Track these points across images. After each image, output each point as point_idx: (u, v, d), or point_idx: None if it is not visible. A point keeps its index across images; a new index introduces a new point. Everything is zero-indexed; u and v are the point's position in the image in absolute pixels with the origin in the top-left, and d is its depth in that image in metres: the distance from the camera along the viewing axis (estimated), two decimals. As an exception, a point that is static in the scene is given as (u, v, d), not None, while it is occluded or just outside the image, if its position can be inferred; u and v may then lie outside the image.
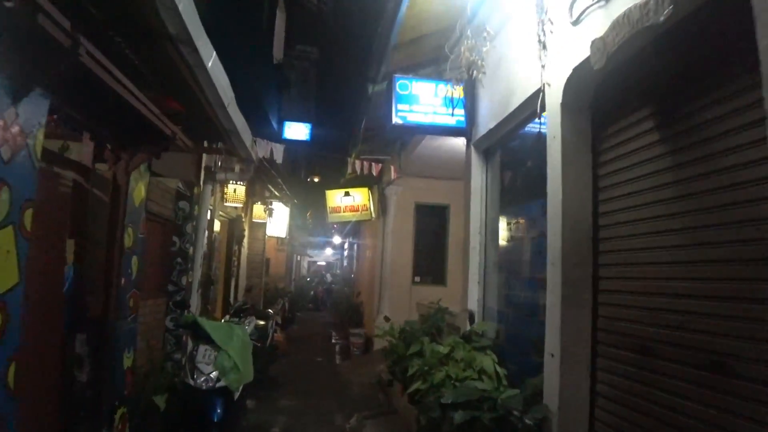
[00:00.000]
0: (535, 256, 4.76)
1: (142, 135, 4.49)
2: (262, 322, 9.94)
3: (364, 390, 9.34)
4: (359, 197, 12.44)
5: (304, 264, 38.76)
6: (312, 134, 15.66)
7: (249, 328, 7.69)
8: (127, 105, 3.63)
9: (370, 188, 12.71)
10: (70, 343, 4.29)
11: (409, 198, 13.01)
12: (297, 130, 15.57)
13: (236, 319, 8.54)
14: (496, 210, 5.92)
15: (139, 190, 4.72)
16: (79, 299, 4.30)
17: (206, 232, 9.67)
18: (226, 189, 10.14)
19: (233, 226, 12.32)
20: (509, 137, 5.43)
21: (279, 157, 6.85)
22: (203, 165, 7.14)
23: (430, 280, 13.14)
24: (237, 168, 7.48)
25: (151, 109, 4.02)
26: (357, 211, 12.36)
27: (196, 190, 6.91)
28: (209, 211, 9.64)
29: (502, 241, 5.74)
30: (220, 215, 11.28)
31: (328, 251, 41.27)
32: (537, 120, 4.61)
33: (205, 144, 6.76)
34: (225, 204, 10.21)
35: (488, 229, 5.99)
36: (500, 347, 5.13)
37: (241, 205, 10.75)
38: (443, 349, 4.80)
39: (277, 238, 14.99)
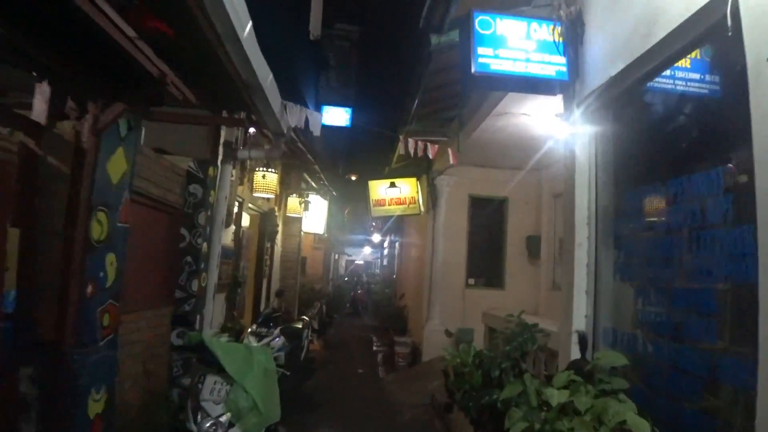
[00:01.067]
0: (702, 253, 3.16)
1: (119, 78, 3.08)
2: (298, 326, 8.58)
3: (416, 414, 7.84)
4: (406, 189, 10.97)
5: (342, 263, 37.51)
6: (353, 120, 14.36)
7: (275, 347, 6.32)
8: (91, 26, 2.24)
9: (419, 179, 11.22)
10: (12, 380, 2.94)
11: (463, 190, 11.47)
12: (336, 116, 14.27)
13: (264, 330, 7.16)
14: (613, 193, 4.31)
15: (117, 160, 3.32)
16: (24, 316, 2.92)
17: (232, 227, 8.35)
18: (255, 177, 8.77)
19: (265, 220, 10.97)
20: (643, 85, 3.82)
21: (317, 129, 5.36)
22: (222, 140, 5.74)
23: (486, 282, 11.59)
24: (265, 145, 6.06)
25: (121, 27, 2.60)
26: (404, 204, 10.89)
27: (211, 171, 5.52)
28: (236, 202, 8.29)
29: (627, 234, 4.12)
30: (250, 208, 9.93)
31: (367, 250, 39.95)
32: (705, 48, 3.04)
33: (224, 114, 5.36)
34: (254, 194, 8.84)
35: (600, 219, 4.37)
36: (637, 390, 3.53)
37: (273, 196, 9.37)
38: (558, 396, 3.23)
39: (314, 234, 13.63)
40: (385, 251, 27.30)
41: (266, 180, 8.70)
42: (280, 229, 12.18)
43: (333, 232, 21.66)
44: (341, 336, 15.75)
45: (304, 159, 9.24)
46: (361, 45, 14.09)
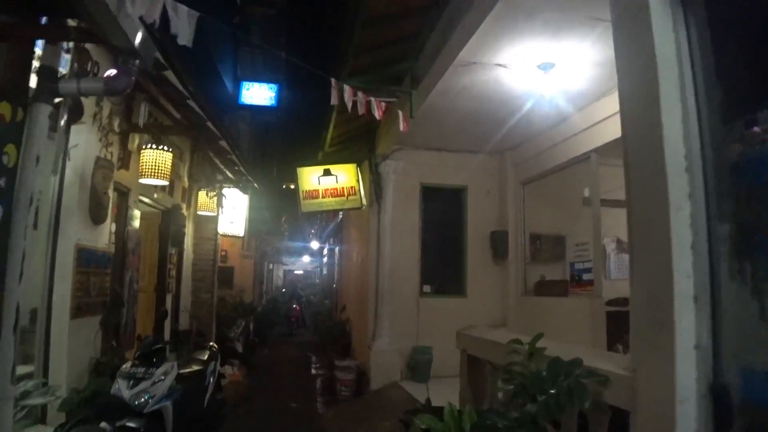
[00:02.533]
0: None
1: None
2: (200, 357, 6.41)
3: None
4: (344, 177, 8.88)
5: (280, 273, 35.03)
6: (280, 98, 12.16)
7: (154, 395, 4.19)
8: None
9: (359, 165, 9.15)
10: None
11: (413, 178, 9.48)
12: (259, 93, 12.07)
13: (141, 370, 4.91)
14: (723, 120, 2.28)
15: None
16: None
17: (108, 224, 6.09)
18: (141, 157, 6.51)
19: (167, 219, 8.66)
20: None
21: (184, 35, 3.15)
22: (34, 64, 3.49)
23: (444, 289, 9.62)
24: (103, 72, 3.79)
25: None
26: (341, 196, 8.80)
27: (19, 114, 3.27)
28: (111, 190, 6.01)
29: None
30: (144, 202, 7.65)
31: (307, 259, 37.57)
32: None
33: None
34: (141, 180, 6.56)
35: (709, 162, 2.34)
36: None
37: (165, 183, 7.06)
38: None
39: (240, 238, 11.41)
40: (325, 259, 25.09)
41: (155, 159, 6.44)
42: (189, 230, 9.86)
43: (266, 238, 19.29)
44: (273, 359, 13.44)
45: (207, 135, 7.01)
46: (289, 12, 12.01)
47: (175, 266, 9.12)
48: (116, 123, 6.12)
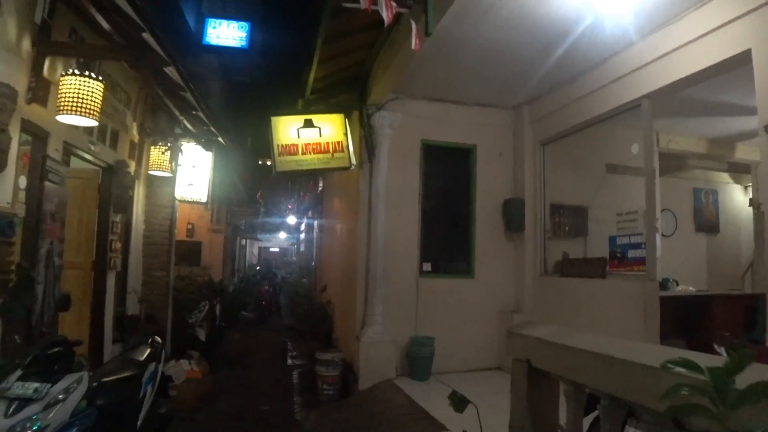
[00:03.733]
0: None
1: None
2: (137, 357, 4.78)
3: None
4: (329, 130, 7.20)
5: (254, 251, 33.23)
6: (253, 41, 10.28)
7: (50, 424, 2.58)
8: None
9: (348, 116, 7.47)
10: None
11: (412, 134, 7.85)
12: (228, 33, 10.21)
13: (30, 387, 3.26)
14: None
15: None
16: None
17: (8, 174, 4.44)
18: (61, 82, 4.80)
19: (109, 179, 6.94)
20: None
21: None
22: None
23: (447, 268, 8.05)
24: None
25: None
26: (326, 152, 7.13)
27: None
28: (8, 130, 4.33)
29: None
30: (73, 153, 5.97)
31: (283, 235, 35.77)
32: None
33: None
34: (60, 116, 4.83)
35: None
36: None
37: (94, 123, 5.29)
38: None
39: (197, 204, 9.66)
40: (302, 235, 23.35)
41: (78, 89, 4.72)
42: (139, 194, 8.14)
43: (238, 211, 17.53)
44: (244, 347, 11.77)
45: (152, 60, 5.28)
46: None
47: (120, 237, 7.41)
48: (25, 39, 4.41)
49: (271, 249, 40.53)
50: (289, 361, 10.58)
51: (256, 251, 34.44)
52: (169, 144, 7.79)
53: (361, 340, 7.15)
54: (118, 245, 7.24)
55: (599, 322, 6.37)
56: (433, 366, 7.31)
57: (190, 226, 15.61)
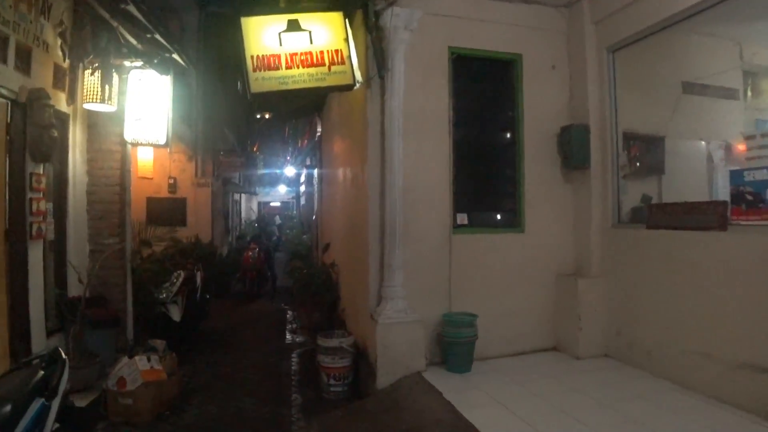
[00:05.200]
0: None
1: None
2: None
3: None
4: (324, 34, 5.12)
5: (253, 206, 31.24)
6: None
7: None
8: None
9: (350, 15, 5.36)
10: None
11: (437, 38, 5.77)
12: None
13: None
14: None
15: None
16: None
17: None
18: None
19: (21, 116, 4.95)
20: None
21: None
22: None
23: (489, 220, 6.11)
24: None
25: None
26: (320, 65, 5.06)
27: None
28: None
29: None
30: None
31: (283, 189, 33.75)
32: None
33: None
34: None
35: None
36: None
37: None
38: None
39: (153, 147, 7.55)
40: (302, 188, 21.29)
41: None
42: (75, 137, 6.14)
43: (227, 161, 15.46)
44: (232, 321, 9.86)
45: None
46: None
47: (49, 196, 5.45)
48: None
49: (271, 204, 38.53)
50: (288, 337, 8.73)
51: (255, 206, 32.45)
52: (110, 67, 5.76)
53: (378, 321, 5.24)
54: (43, 206, 5.28)
55: (716, 297, 4.45)
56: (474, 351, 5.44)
57: (171, 181, 13.65)
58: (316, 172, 14.08)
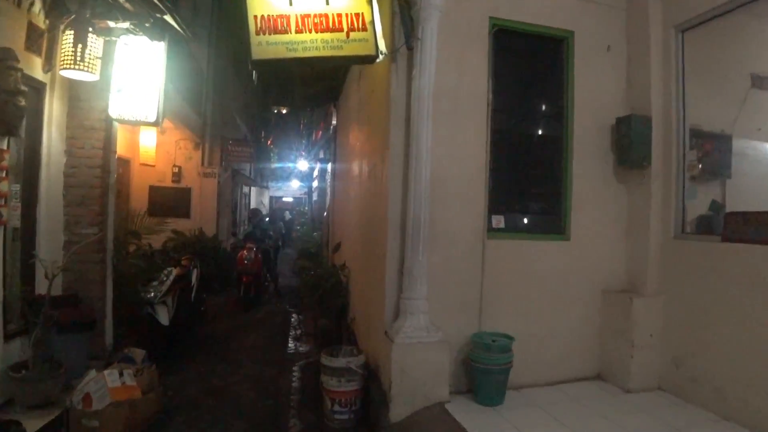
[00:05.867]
0: None
1: None
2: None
3: None
4: (343, -2, 4.30)
5: (265, 200, 30.45)
6: None
7: None
8: None
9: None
10: None
11: (476, 7, 4.89)
12: None
13: None
14: None
15: None
16: None
17: None
18: None
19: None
20: None
21: None
22: None
23: (528, 225, 5.21)
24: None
25: None
26: (336, 30, 4.22)
27: None
28: None
29: None
30: None
31: (296, 184, 32.98)
32: None
33: None
34: None
35: None
36: None
37: None
38: None
39: (142, 126, 6.66)
40: (315, 183, 20.39)
41: None
42: (52, 110, 5.33)
43: (235, 151, 14.64)
44: (231, 324, 8.97)
45: None
46: None
47: (9, 175, 4.62)
48: None
49: (283, 198, 37.78)
50: (291, 345, 7.87)
51: (267, 201, 31.67)
52: (91, 29, 4.93)
53: (395, 341, 4.36)
54: (5, 187, 4.47)
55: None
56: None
57: (176, 169, 12.86)
58: (329, 165, 13.21)
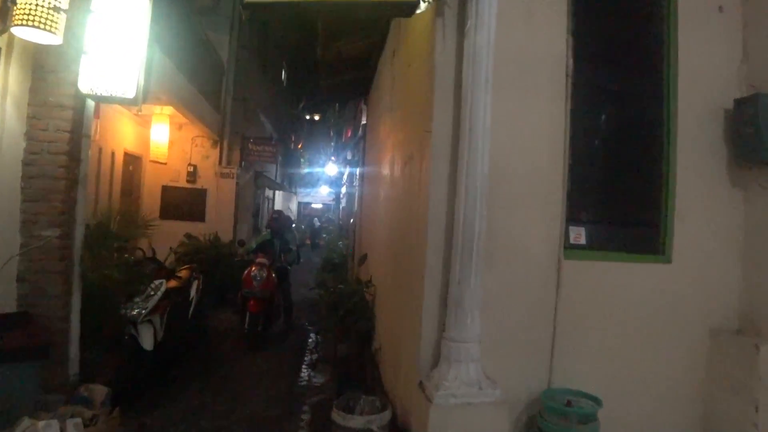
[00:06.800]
0: None
1: None
2: None
3: None
4: None
5: (293, 206, 29.43)
6: None
7: None
8: None
9: None
10: None
11: (552, -56, 3.64)
12: None
13: None
14: None
15: None
16: None
17: None
18: None
19: None
20: None
21: None
22: None
23: (618, 239, 3.88)
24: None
25: None
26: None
27: None
28: None
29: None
30: None
31: (326, 190, 31.90)
32: None
33: None
34: None
35: None
36: None
37: None
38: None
39: (118, 102, 5.52)
40: (344, 189, 19.24)
41: None
42: (8, 82, 4.25)
43: (257, 151, 13.54)
44: (236, 344, 7.71)
45: None
46: None
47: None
48: None
49: (312, 205, 36.74)
50: (304, 374, 6.64)
51: (294, 206, 30.65)
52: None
53: (434, 400, 3.10)
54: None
55: None
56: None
57: (191, 168, 11.84)
58: (357, 169, 12.02)
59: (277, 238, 8.60)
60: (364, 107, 10.84)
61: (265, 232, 9.12)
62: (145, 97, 4.67)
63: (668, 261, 3.81)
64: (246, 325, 7.27)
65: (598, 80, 3.78)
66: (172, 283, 6.16)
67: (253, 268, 7.61)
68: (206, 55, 10.68)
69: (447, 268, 3.33)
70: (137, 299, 5.32)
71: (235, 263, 10.05)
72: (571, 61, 3.58)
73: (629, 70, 3.93)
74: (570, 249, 3.58)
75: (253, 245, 8.52)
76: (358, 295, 6.47)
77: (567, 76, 3.56)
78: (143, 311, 5.25)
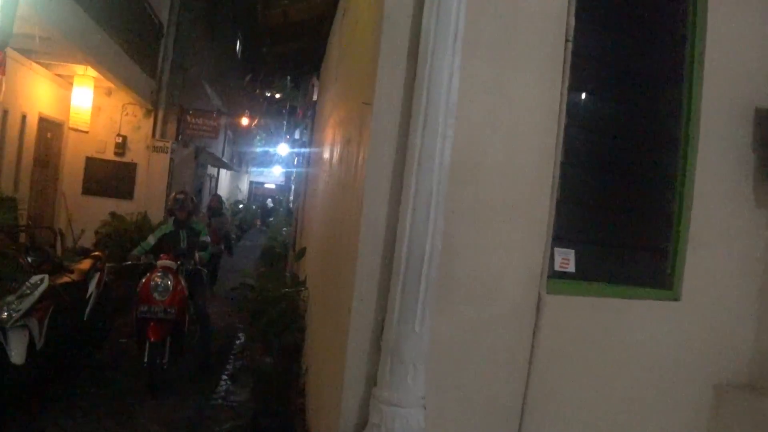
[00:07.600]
0: None
1: None
2: None
3: None
4: None
5: (243, 186, 27.99)
6: None
7: None
8: None
9: None
10: None
11: None
12: None
13: None
14: None
15: None
16: None
17: None
18: None
19: None
20: None
21: None
22: None
23: (613, 268, 2.92)
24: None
25: None
26: None
27: None
28: None
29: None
30: None
31: (279, 170, 30.57)
32: None
33: None
34: None
35: None
36: None
37: None
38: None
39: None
40: (294, 171, 18.03)
41: None
42: None
43: (197, 124, 12.28)
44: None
45: None
46: None
47: None
48: None
49: (266, 185, 35.34)
50: (222, 388, 5.61)
51: (245, 187, 29.26)
52: None
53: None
54: None
55: None
56: None
57: (120, 140, 10.59)
58: (305, 151, 10.93)
59: (185, 228, 6.12)
60: (316, 82, 9.77)
61: (168, 222, 6.43)
62: (6, 40, 3.53)
63: (676, 298, 2.89)
64: (145, 359, 5.06)
65: (604, 54, 2.82)
66: (64, 279, 5.05)
67: (155, 276, 5.37)
68: (139, 12, 9.41)
69: (383, 300, 2.33)
70: (10, 298, 4.19)
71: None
72: (572, 22, 2.60)
73: (644, 43, 2.97)
74: (554, 279, 2.62)
75: (151, 242, 6.02)
76: (286, 301, 5.46)
77: (567, 41, 2.58)
78: (13, 313, 4.13)
